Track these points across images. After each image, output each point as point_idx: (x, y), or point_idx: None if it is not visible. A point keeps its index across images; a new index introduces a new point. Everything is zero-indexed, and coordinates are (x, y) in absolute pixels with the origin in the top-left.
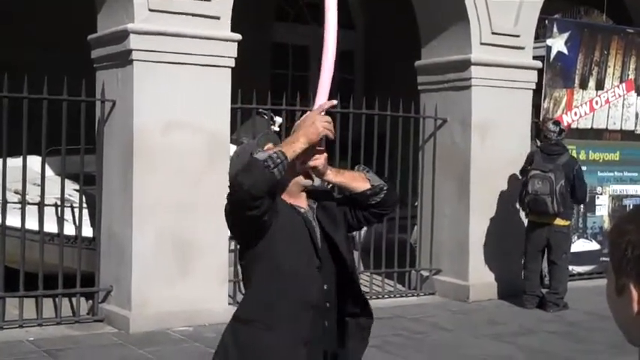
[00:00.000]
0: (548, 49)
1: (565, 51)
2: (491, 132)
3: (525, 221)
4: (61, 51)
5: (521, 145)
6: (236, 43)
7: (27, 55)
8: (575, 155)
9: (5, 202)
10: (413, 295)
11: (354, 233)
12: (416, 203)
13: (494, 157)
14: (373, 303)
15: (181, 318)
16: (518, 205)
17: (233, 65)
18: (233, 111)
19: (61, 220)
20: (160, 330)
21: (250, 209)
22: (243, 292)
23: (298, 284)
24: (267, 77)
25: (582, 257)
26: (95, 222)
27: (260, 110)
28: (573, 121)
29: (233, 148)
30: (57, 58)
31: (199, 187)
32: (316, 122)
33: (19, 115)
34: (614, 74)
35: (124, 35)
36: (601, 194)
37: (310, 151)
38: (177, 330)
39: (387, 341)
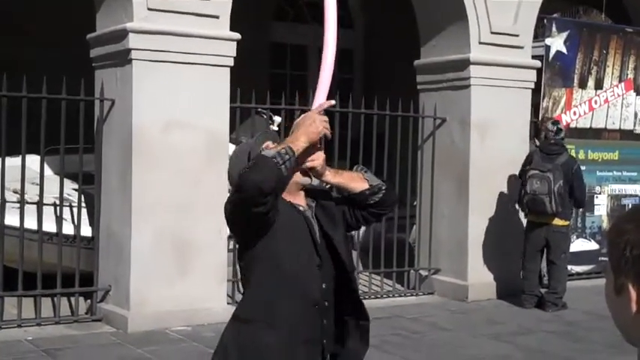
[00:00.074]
0: (547, 48)
1: (564, 50)
2: (490, 131)
3: (524, 221)
4: (60, 50)
5: (520, 144)
6: (235, 43)
7: (26, 54)
8: (574, 155)
9: (4, 201)
10: (412, 295)
11: (353, 233)
12: (415, 203)
13: (493, 157)
14: (372, 302)
15: (180, 317)
16: (517, 206)
17: (232, 64)
18: (232, 110)
19: (59, 220)
20: (159, 329)
21: (257, 206)
22: (242, 291)
23: (299, 283)
24: (266, 77)
25: (581, 257)
26: (94, 221)
27: (259, 110)
28: (572, 120)
29: (232, 147)
30: (56, 57)
31: (198, 186)
32: (316, 121)
33: (17, 114)
34: (613, 74)
35: (122, 34)
36: (600, 194)
37: (309, 150)
38: (176, 329)
39: (386, 341)
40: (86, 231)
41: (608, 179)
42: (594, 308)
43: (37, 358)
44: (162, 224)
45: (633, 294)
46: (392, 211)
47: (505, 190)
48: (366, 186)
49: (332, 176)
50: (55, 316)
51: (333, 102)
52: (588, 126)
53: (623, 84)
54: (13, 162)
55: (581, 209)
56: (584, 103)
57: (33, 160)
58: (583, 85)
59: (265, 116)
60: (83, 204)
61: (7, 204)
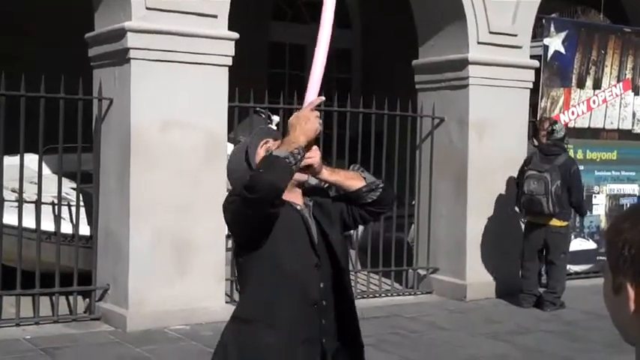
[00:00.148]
0: (546, 48)
1: (562, 50)
2: (488, 131)
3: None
4: (59, 49)
5: (518, 144)
6: (233, 42)
7: (25, 53)
8: (572, 154)
9: (2, 200)
10: (410, 294)
11: (352, 232)
12: (413, 202)
13: (491, 156)
14: (370, 301)
15: (178, 316)
16: (516, 208)
17: (230, 64)
18: (230, 109)
19: (58, 219)
20: (157, 328)
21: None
22: (239, 289)
23: (298, 283)
24: (265, 76)
25: (579, 256)
26: (92, 220)
27: (257, 109)
28: (570, 120)
29: (230, 146)
30: (55, 56)
31: (196, 185)
32: (311, 119)
33: (16, 113)
34: (611, 73)
35: (121, 33)
36: (598, 193)
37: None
38: (175, 328)
39: (384, 340)
40: (84, 230)
41: (607, 179)
42: (592, 308)
43: (36, 357)
44: (161, 223)
45: (631, 293)
46: (390, 210)
47: (503, 189)
48: (363, 184)
49: (329, 174)
50: (53, 315)
51: (323, 98)
52: (586, 126)
53: (621, 84)
54: (11, 161)
55: (582, 216)
56: (583, 103)
57: (31, 159)
58: (581, 85)
59: (264, 116)
60: (81, 203)
61: (6, 203)
